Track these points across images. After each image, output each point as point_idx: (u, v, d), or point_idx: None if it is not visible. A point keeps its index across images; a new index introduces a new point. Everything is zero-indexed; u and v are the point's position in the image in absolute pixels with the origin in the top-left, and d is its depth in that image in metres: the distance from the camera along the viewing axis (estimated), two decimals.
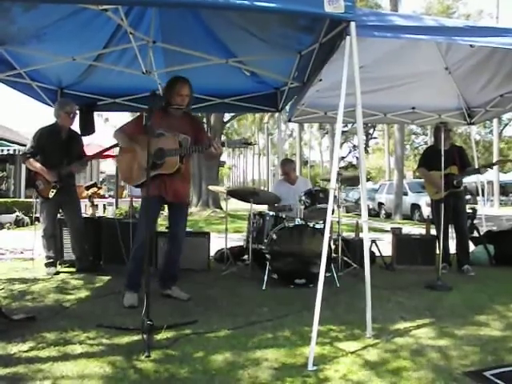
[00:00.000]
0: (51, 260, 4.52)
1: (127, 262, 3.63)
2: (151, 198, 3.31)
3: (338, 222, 4.77)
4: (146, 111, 2.94)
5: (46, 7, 3.52)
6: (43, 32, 4.01)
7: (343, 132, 40.51)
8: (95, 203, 5.97)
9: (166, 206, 3.78)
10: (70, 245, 4.66)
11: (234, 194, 5.13)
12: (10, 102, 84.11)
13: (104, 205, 11.10)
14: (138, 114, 3.77)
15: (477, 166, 5.62)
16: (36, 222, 5.31)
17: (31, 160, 4.37)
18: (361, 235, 4.42)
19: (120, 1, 3.34)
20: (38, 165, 4.35)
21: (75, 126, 4.74)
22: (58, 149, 4.39)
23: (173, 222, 3.64)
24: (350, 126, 35.36)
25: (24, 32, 3.99)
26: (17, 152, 14.91)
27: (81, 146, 4.65)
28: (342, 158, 47.42)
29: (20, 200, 13.73)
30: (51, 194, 4.34)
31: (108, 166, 21.79)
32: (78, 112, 4.65)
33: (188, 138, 3.50)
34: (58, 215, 4.65)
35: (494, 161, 11.03)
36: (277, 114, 6.40)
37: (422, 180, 5.69)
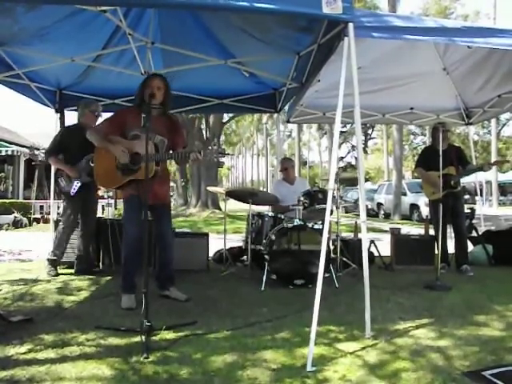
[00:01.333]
0: (55, 258, 4.48)
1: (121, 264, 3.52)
2: (135, 196, 3.29)
3: (337, 222, 4.77)
4: (145, 113, 2.94)
5: (44, 8, 3.51)
6: (42, 33, 4.01)
7: (342, 132, 40.54)
8: None
9: None
10: (76, 243, 4.64)
11: (232, 194, 5.13)
12: (9, 103, 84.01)
13: (103, 205, 11.06)
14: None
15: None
16: (35, 223, 5.31)
17: (53, 157, 4.43)
18: (360, 235, 4.42)
19: (119, 2, 3.33)
20: (60, 162, 4.41)
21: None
22: (81, 147, 4.37)
23: (157, 224, 3.56)
24: (348, 126, 35.40)
25: (23, 33, 3.99)
26: (15, 153, 14.91)
27: None
28: (341, 158, 47.48)
29: (18, 201, 13.73)
30: (73, 191, 4.35)
31: None
32: (102, 114, 4.67)
33: (164, 141, 3.41)
34: None
35: (491, 161, 11.08)
36: (275, 115, 6.40)
37: (421, 180, 5.71)
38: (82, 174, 4.37)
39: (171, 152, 3.39)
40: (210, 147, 3.19)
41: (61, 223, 4.54)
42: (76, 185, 4.34)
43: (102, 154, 3.42)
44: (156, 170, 3.27)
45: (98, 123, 4.48)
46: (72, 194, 4.35)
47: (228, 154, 3.46)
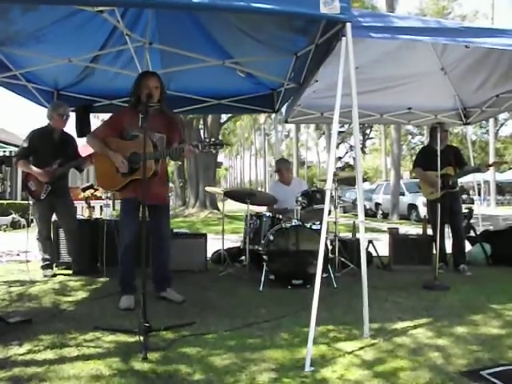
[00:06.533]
0: (47, 262, 4.51)
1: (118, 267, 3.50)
2: (132, 200, 3.31)
3: (335, 222, 4.77)
4: (143, 113, 2.94)
5: (42, 9, 3.51)
6: (39, 34, 4.00)
7: (340, 132, 40.58)
8: (92, 205, 5.97)
9: None
10: (66, 247, 4.66)
11: (230, 195, 5.12)
12: (6, 104, 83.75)
13: (101, 206, 11.05)
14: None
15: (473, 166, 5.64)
16: (32, 224, 5.31)
17: (22, 161, 4.39)
18: (358, 235, 4.43)
19: (116, 2, 3.31)
20: (29, 166, 4.36)
21: (71, 128, 4.73)
22: (51, 150, 4.38)
23: (156, 224, 3.51)
24: (346, 126, 35.44)
25: (20, 34, 3.98)
26: (13, 154, 14.88)
27: (74, 148, 4.61)
28: (339, 158, 47.54)
29: (16, 202, 13.71)
30: (43, 195, 4.34)
31: None
32: (70, 115, 4.65)
33: (163, 137, 3.44)
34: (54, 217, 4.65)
35: (489, 162, 11.17)
36: (273, 115, 6.40)
37: (419, 180, 5.72)
38: (54, 177, 4.35)
39: (170, 149, 3.38)
40: (206, 138, 3.16)
41: (36, 229, 4.53)
42: (46, 189, 4.34)
43: (102, 156, 3.44)
44: (155, 170, 3.29)
45: (66, 124, 4.53)
46: (42, 197, 4.35)
47: (227, 144, 3.44)
